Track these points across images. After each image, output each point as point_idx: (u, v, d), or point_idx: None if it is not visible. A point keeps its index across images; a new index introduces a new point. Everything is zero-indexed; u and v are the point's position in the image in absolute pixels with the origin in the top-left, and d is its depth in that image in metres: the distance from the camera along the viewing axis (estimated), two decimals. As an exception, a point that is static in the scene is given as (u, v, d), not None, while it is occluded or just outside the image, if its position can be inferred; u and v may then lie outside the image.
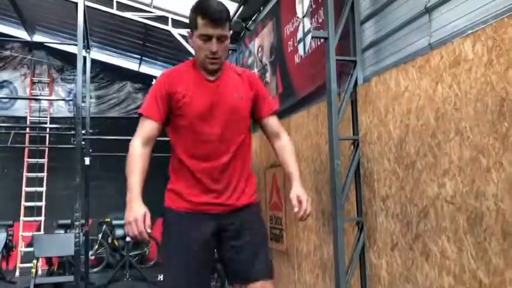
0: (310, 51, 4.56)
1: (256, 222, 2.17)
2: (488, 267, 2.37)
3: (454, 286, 2.61)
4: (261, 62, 6.14)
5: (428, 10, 2.92)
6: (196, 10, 1.98)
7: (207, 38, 1.97)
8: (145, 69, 10.31)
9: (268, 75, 5.88)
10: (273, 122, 2.27)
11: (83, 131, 4.71)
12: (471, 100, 2.50)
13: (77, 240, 3.92)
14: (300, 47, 4.70)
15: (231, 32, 2.08)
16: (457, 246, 2.59)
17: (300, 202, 2.03)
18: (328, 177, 3.82)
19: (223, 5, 2.02)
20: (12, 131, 6.95)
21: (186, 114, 2.04)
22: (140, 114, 2.11)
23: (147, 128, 2.06)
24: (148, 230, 1.85)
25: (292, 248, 4.95)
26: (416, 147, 2.95)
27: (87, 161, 5.21)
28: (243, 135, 2.17)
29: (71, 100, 6.60)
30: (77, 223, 3.82)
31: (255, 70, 6.34)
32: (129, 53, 9.63)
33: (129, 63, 10.24)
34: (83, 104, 5.37)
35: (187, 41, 6.20)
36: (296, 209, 2.03)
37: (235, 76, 2.14)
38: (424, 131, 2.88)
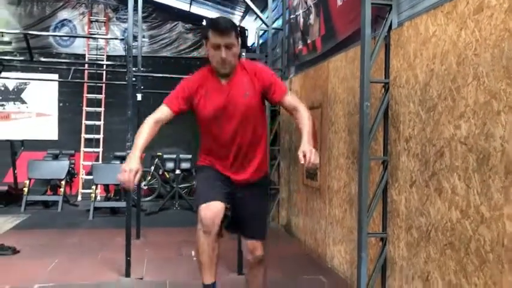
0: (351, -6, 4.62)
1: (259, 195, 2.70)
2: (490, 203, 2.57)
3: (460, 219, 2.84)
4: (306, 3, 6.21)
5: (461, -45, 2.95)
6: (208, 25, 2.45)
7: (217, 47, 2.42)
8: (196, 9, 10.51)
9: (312, 17, 5.97)
10: (288, 100, 2.65)
11: (135, 69, 5.07)
12: (489, 46, 2.60)
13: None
14: (339, -10, 4.76)
15: (240, 41, 2.49)
16: (466, 183, 2.79)
17: (304, 155, 2.34)
18: (359, 119, 4.02)
19: (229, 19, 2.50)
20: (72, 67, 7.46)
21: (203, 114, 2.57)
22: (168, 104, 2.66)
23: (163, 111, 2.63)
24: (136, 181, 2.37)
25: (325, 185, 5.25)
26: (439, 91, 3.09)
27: (139, 97, 5.61)
28: (256, 126, 2.59)
29: (123, 39, 6.95)
30: (128, 152, 4.24)
31: (300, 12, 6.43)
32: (180, -7, 9.85)
33: (180, 3, 10.46)
34: (134, 43, 5.72)
35: None
36: (301, 162, 2.37)
37: (245, 76, 2.53)
38: (446, 76, 3.01)
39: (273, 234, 6.55)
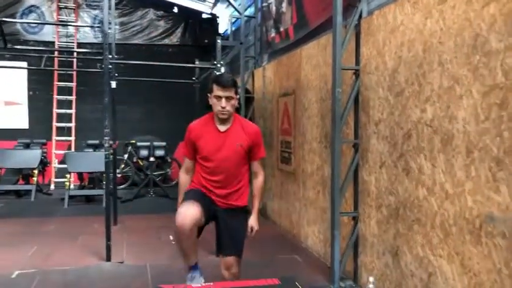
0: (322, -17, 4.76)
1: (239, 219, 3.15)
2: (453, 180, 2.79)
3: (426, 196, 3.06)
4: (278, -8, 6.32)
5: None
6: (213, 80, 3.04)
7: (219, 98, 2.96)
8: (167, -4, 10.47)
9: (284, 5, 6.09)
10: (257, 164, 3.24)
11: (109, 56, 5.09)
12: (452, 34, 2.80)
13: (107, 153, 4.43)
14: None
15: (238, 96, 3.04)
16: (432, 163, 3.00)
17: (251, 229, 3.16)
18: (331, 105, 4.20)
19: (231, 77, 3.07)
20: (45, 55, 7.37)
21: (202, 154, 3.06)
22: (186, 156, 3.23)
23: (188, 164, 3.22)
24: None
25: (299, 169, 5.44)
26: (406, 77, 3.28)
27: (113, 84, 5.62)
28: (240, 168, 3.12)
29: (99, 27, 6.87)
30: (107, 137, 4.31)
31: (272, 0, 6.54)
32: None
33: (151, -10, 10.40)
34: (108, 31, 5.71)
35: None
36: (248, 234, 3.16)
37: (241, 130, 3.09)
38: (413, 62, 3.20)
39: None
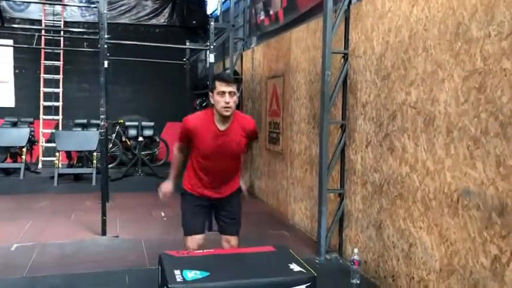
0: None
1: (235, 201, 3.33)
2: (434, 158, 3.02)
3: (409, 173, 3.29)
4: (268, -25, 6.43)
5: None
6: (215, 77, 3.13)
7: (222, 93, 3.00)
8: (155, -24, 10.46)
9: (274, -11, 6.21)
10: (252, 143, 3.42)
11: (106, 36, 5.16)
12: (436, 22, 2.99)
13: (102, 131, 4.56)
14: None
15: (238, 94, 3.12)
16: (415, 142, 3.22)
17: (246, 190, 3.43)
18: (320, 87, 4.39)
19: (233, 75, 3.27)
20: (36, 34, 7.36)
21: (199, 150, 3.14)
22: (180, 142, 3.31)
23: (180, 146, 3.29)
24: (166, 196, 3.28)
25: (287, 149, 5.64)
26: (392, 61, 3.48)
27: (105, 64, 5.71)
28: (237, 162, 3.26)
29: (95, 7, 6.86)
30: (102, 116, 4.44)
31: (262, -17, 6.65)
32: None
33: (139, -30, 10.37)
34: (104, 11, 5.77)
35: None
36: (245, 194, 3.41)
37: (239, 127, 3.14)
38: (399, 48, 3.40)
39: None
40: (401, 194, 3.38)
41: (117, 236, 4.74)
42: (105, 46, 4.63)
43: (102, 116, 4.50)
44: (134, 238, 4.71)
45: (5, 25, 8.76)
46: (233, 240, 3.32)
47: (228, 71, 3.57)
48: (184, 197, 3.30)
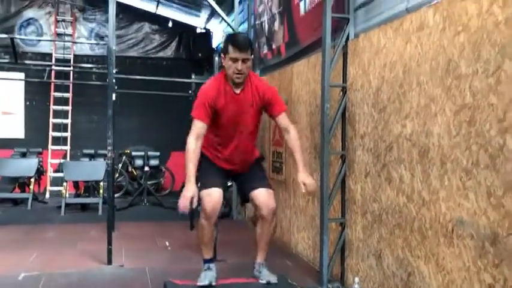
0: (313, 5, 5.12)
1: (257, 165, 3.24)
2: (429, 188, 3.12)
3: (406, 203, 3.38)
4: (271, 11, 6.68)
5: (407, -20, 3.49)
6: (228, 40, 2.93)
7: (235, 60, 2.88)
8: (163, 10, 10.80)
9: (276, 24, 6.44)
10: (283, 118, 3.19)
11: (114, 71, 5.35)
12: (428, 59, 3.14)
13: (109, 162, 4.71)
14: (302, 3, 5.27)
15: (252, 56, 2.97)
16: (411, 173, 3.33)
17: (304, 184, 3.10)
18: (320, 118, 4.53)
19: (247, 37, 3.08)
20: (47, 68, 7.63)
21: (221, 115, 3.02)
22: (193, 117, 3.00)
23: (198, 127, 2.98)
24: (194, 205, 2.87)
25: (290, 178, 5.75)
26: (388, 95, 3.62)
27: (113, 97, 5.91)
28: (254, 127, 3.15)
29: (105, 43, 7.08)
30: (110, 148, 4.58)
31: (265, 18, 6.90)
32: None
33: (147, 5, 10.72)
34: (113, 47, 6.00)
35: None
36: (303, 190, 3.13)
37: (254, 90, 3.03)
38: (394, 82, 3.55)
39: (240, 226, 7.03)
40: (399, 224, 3.46)
41: (122, 265, 4.82)
42: (114, 81, 4.80)
43: (109, 148, 4.65)
44: (139, 267, 4.79)
45: (37, 63, 9.13)
46: (271, 199, 3.12)
47: (243, 34, 3.23)
48: (202, 158, 3.11)
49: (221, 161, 3.13)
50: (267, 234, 3.45)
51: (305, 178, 3.11)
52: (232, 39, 2.97)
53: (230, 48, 2.91)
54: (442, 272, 2.97)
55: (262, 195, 3.13)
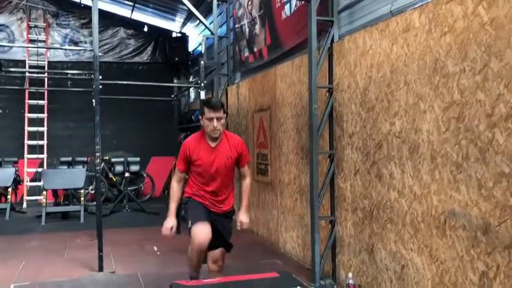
0: (295, 9, 5.23)
1: (227, 222, 3.70)
2: (420, 183, 3.25)
3: (397, 198, 3.51)
4: (251, 14, 6.76)
5: (391, -17, 3.63)
6: (204, 103, 3.59)
7: (211, 119, 3.40)
8: (137, 15, 10.75)
9: (257, 27, 6.53)
10: (246, 169, 3.76)
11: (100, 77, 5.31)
12: (415, 59, 3.28)
13: (98, 168, 4.69)
14: (287, 6, 5.37)
15: (226, 115, 3.53)
16: (401, 169, 3.46)
17: (241, 223, 3.64)
18: (307, 119, 4.63)
19: (219, 100, 3.75)
20: (26, 75, 7.49)
21: (197, 167, 3.54)
22: (176, 167, 3.69)
23: (179, 175, 3.67)
24: (172, 234, 3.56)
25: (276, 179, 5.83)
26: (376, 94, 3.75)
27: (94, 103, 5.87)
28: (230, 177, 3.65)
29: (91, 50, 6.98)
30: (98, 154, 4.56)
31: (245, 22, 6.97)
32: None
33: (122, 10, 10.65)
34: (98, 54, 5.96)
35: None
36: (238, 228, 3.67)
37: (227, 143, 3.56)
38: (382, 82, 3.67)
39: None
40: (391, 219, 3.59)
41: (114, 272, 4.79)
42: (100, 87, 4.78)
43: (97, 154, 4.63)
44: (131, 273, 4.77)
45: (18, 69, 8.95)
46: (220, 259, 3.62)
47: (215, 98, 3.99)
48: (189, 200, 3.60)
49: (206, 201, 3.58)
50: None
51: (243, 218, 3.64)
52: (206, 102, 3.56)
53: (205, 109, 3.44)
54: (436, 262, 3.10)
55: (216, 255, 3.63)
